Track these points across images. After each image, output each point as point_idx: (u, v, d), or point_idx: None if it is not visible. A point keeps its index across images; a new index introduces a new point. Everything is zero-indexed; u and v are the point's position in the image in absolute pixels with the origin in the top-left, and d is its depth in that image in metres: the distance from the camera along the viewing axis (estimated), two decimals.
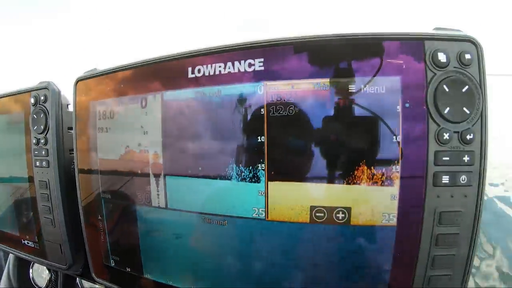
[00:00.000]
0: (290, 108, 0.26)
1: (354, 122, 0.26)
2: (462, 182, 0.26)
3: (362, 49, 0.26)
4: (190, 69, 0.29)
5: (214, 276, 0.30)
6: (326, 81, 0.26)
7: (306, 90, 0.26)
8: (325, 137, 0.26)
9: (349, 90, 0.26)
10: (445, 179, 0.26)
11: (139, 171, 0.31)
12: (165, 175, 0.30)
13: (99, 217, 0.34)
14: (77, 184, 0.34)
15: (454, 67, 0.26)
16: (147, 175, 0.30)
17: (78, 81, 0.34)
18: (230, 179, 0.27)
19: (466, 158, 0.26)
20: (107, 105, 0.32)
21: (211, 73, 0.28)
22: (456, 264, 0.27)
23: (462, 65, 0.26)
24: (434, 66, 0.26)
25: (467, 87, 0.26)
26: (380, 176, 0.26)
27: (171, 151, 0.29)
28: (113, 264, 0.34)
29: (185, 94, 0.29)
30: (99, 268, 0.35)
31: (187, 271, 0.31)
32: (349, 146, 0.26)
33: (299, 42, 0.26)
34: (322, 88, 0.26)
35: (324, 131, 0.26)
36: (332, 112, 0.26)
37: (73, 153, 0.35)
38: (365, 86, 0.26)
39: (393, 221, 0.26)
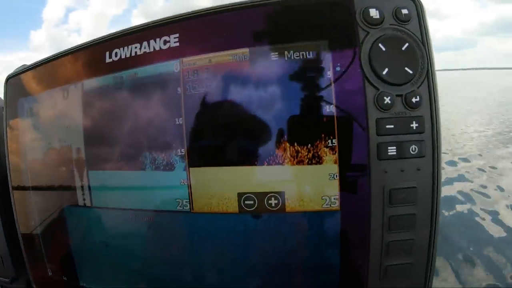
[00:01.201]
0: (208, 85, 0.22)
1: (279, 93, 0.21)
2: (412, 153, 0.21)
3: (283, 13, 0.22)
4: (107, 53, 0.25)
5: (149, 278, 0.25)
6: (245, 51, 0.22)
7: (224, 63, 0.22)
8: (247, 113, 0.22)
9: (272, 59, 0.22)
10: (392, 150, 0.21)
11: (64, 168, 0.27)
12: (88, 170, 0.26)
13: (32, 223, 0.30)
14: (10, 188, 0.31)
15: (390, 24, 0.22)
16: (72, 171, 0.26)
17: (8, 79, 0.31)
18: (148, 169, 0.23)
19: (414, 125, 0.21)
20: (34, 101, 0.29)
21: (127, 55, 0.24)
22: (417, 250, 0.22)
23: (400, 22, 0.22)
24: (366, 24, 0.21)
25: (407, 44, 0.21)
26: (313, 153, 0.21)
27: (93, 144, 0.26)
28: (50, 274, 0.30)
29: (104, 81, 0.25)
30: (38, 279, 0.31)
31: (121, 274, 0.26)
32: (275, 121, 0.21)
33: (213, 12, 0.22)
34: (241, 59, 0.22)
35: (247, 106, 0.22)
36: (254, 85, 0.22)
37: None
38: (289, 53, 0.21)
39: (336, 205, 0.21)
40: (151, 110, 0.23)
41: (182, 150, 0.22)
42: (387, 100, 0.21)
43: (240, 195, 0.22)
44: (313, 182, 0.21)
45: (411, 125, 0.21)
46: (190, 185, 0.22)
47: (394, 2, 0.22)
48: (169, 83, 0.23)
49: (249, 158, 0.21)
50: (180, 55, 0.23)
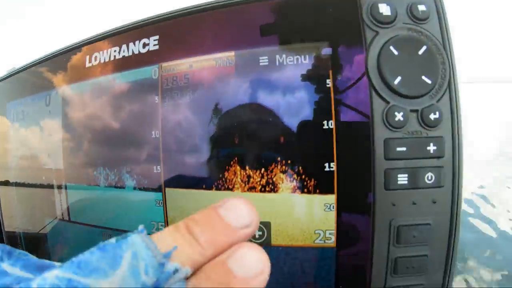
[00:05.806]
0: (188, 94, 0.16)
1: (268, 107, 0.15)
2: (428, 182, 0.14)
3: (274, 10, 0.15)
4: (87, 58, 0.19)
5: None
6: (231, 55, 0.16)
7: (207, 68, 0.16)
8: (232, 128, 0.15)
9: (260, 64, 0.15)
10: (402, 179, 0.14)
11: (44, 178, 0.21)
12: (66, 184, 0.20)
13: (19, 242, 0.25)
14: None
15: (404, 23, 0.15)
16: (51, 184, 0.21)
17: None
18: (124, 187, 0.17)
19: (431, 148, 0.14)
20: (19, 105, 0.24)
21: (107, 60, 0.19)
22: None
23: (416, 20, 0.15)
24: (374, 22, 0.15)
25: (424, 48, 0.14)
26: (306, 178, 0.15)
27: (72, 155, 0.20)
28: None
29: (83, 87, 0.20)
30: None
31: None
32: (260, 139, 0.15)
33: (195, 11, 0.16)
34: (226, 64, 0.16)
35: (231, 119, 0.15)
36: (239, 94, 0.15)
37: None
38: (280, 57, 0.15)
39: (331, 241, 0.15)
40: (128, 121, 0.17)
41: (158, 167, 0.16)
42: (399, 116, 0.14)
43: None
44: (305, 213, 0.15)
45: (428, 148, 0.14)
46: (166, 207, 0.16)
47: None
48: (147, 90, 0.17)
49: (234, 182, 0.15)
50: (159, 60, 0.17)
